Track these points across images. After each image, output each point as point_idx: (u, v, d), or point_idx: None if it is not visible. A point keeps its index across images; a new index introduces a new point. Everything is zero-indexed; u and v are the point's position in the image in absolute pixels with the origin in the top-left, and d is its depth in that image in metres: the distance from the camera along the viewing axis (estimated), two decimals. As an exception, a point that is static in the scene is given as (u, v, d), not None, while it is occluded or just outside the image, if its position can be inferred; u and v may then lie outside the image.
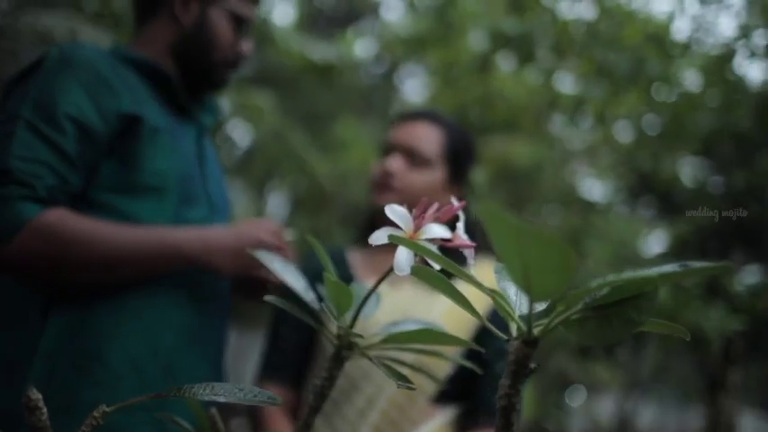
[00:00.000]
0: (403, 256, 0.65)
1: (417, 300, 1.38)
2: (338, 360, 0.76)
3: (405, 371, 1.32)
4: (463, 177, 1.51)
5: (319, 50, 3.06)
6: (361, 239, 1.55)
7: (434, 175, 1.46)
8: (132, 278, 1.16)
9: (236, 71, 1.41)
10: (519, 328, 0.55)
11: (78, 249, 1.10)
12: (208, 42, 1.32)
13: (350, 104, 5.48)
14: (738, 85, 3.66)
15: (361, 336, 0.70)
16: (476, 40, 3.56)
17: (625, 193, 3.91)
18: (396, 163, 1.46)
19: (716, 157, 3.90)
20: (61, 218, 1.09)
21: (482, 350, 0.70)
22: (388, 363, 0.73)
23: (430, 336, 0.71)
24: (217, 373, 1.30)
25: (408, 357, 1.11)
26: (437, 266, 0.63)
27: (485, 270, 1.44)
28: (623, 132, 3.86)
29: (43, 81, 1.14)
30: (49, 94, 1.13)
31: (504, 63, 3.55)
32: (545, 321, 0.53)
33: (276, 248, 1.21)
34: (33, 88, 1.13)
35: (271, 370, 1.43)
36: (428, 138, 1.48)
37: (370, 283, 1.32)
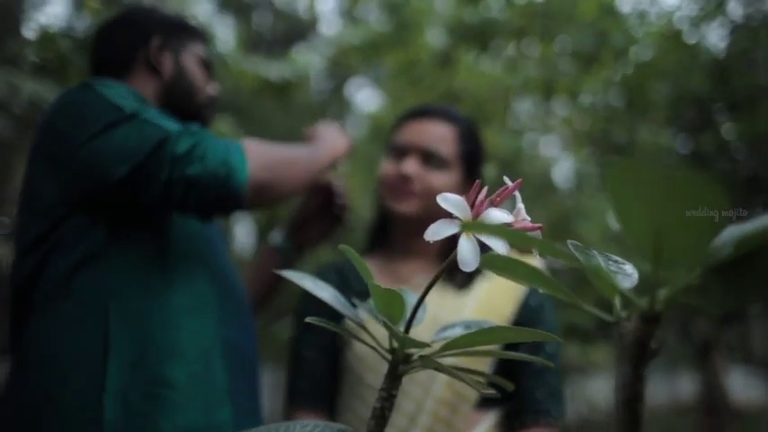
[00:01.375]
0: (468, 249, 0.57)
1: (442, 301, 1.31)
2: (395, 377, 0.68)
3: (446, 378, 1.26)
4: (478, 174, 1.43)
5: (274, 69, 2.99)
6: (373, 248, 1.47)
7: (452, 176, 1.39)
8: (304, 185, 1.35)
9: (213, 114, 1.47)
10: (628, 305, 0.48)
11: (276, 158, 1.28)
12: (189, 88, 1.37)
13: (305, 123, 5.39)
14: (694, 49, 3.67)
15: (426, 344, 0.62)
16: (434, 37, 3.51)
17: (602, 170, 3.89)
18: (413, 166, 1.38)
19: (682, 123, 3.91)
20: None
21: (558, 338, 0.63)
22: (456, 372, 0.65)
23: (502, 334, 0.64)
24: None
25: (448, 362, 1.04)
26: (503, 252, 0.56)
27: None
28: (593, 109, 3.84)
29: (115, 94, 1.20)
30: (132, 100, 1.20)
31: (467, 56, 3.50)
32: (664, 292, 0.46)
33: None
34: (114, 98, 1.18)
35: (302, 397, 1.35)
36: (444, 137, 1.40)
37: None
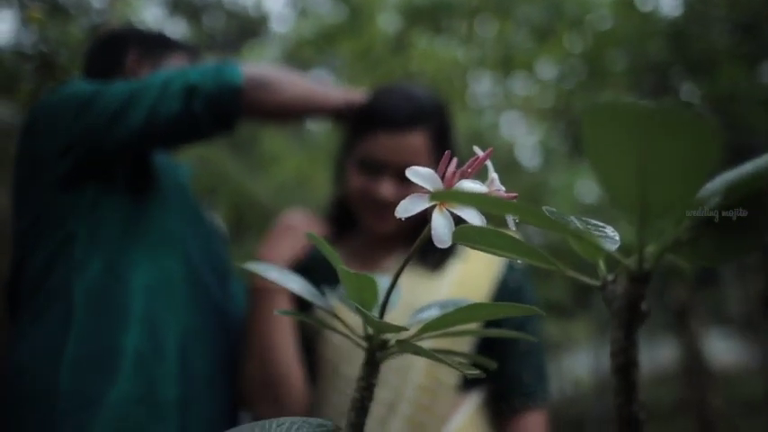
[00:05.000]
0: (441, 224, 0.54)
1: (415, 285, 1.26)
2: (373, 365, 0.65)
3: (424, 362, 1.22)
4: None
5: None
6: (334, 235, 1.42)
7: None
8: (302, 101, 1.34)
9: None
10: (613, 269, 0.45)
11: (269, 68, 1.35)
12: None
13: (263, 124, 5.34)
14: (650, 15, 3.67)
15: (403, 328, 0.59)
16: (387, 22, 3.47)
17: (568, 143, 3.89)
18: (390, 189, 1.30)
19: (642, 90, 3.91)
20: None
21: (541, 312, 0.60)
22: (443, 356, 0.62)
23: (481, 311, 0.60)
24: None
25: (427, 345, 1.00)
26: (477, 223, 0.53)
27: (475, 252, 1.34)
28: (554, 83, 3.83)
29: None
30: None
31: (422, 38, 3.46)
32: (652, 249, 0.43)
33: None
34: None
35: None
36: (420, 149, 1.29)
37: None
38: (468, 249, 1.33)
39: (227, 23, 8.28)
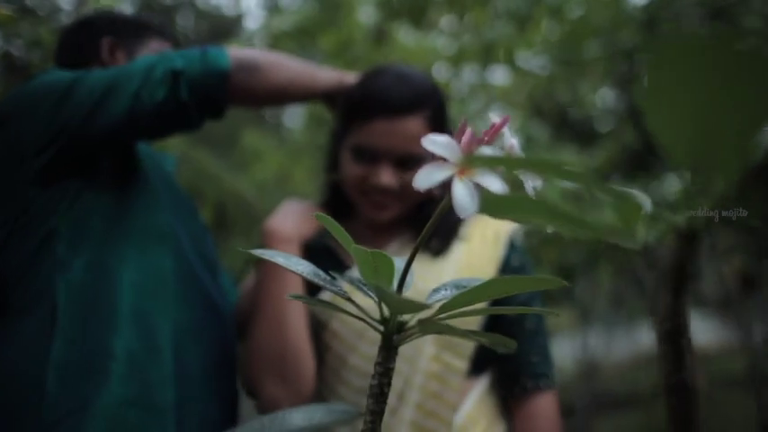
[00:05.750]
0: (463, 193, 0.51)
1: (420, 269, 1.23)
2: (390, 349, 0.62)
3: (432, 348, 1.20)
4: None
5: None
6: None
7: None
8: (292, 84, 1.29)
9: None
10: (649, 227, 0.42)
11: (258, 51, 1.30)
12: None
13: (243, 120, 5.31)
14: (622, 2, 3.68)
15: (426, 305, 0.56)
16: (366, 15, 3.43)
17: (549, 130, 3.89)
18: (389, 177, 1.23)
19: (617, 78, 3.93)
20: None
21: (565, 283, 0.57)
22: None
23: (503, 286, 0.58)
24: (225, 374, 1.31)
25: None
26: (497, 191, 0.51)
27: (482, 220, 1.32)
28: (533, 72, 3.83)
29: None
30: None
31: (401, 30, 3.44)
32: (704, 204, 0.40)
33: None
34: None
35: None
36: (418, 134, 1.20)
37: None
38: (469, 230, 1.32)
39: (200, 23, 8.23)
